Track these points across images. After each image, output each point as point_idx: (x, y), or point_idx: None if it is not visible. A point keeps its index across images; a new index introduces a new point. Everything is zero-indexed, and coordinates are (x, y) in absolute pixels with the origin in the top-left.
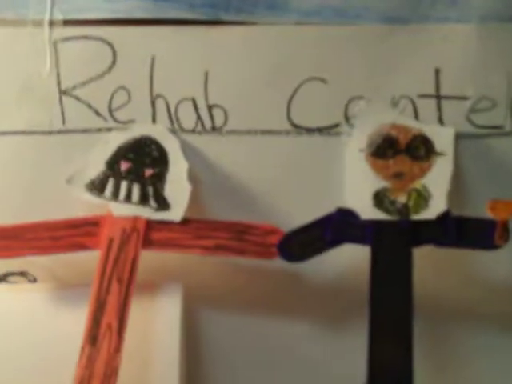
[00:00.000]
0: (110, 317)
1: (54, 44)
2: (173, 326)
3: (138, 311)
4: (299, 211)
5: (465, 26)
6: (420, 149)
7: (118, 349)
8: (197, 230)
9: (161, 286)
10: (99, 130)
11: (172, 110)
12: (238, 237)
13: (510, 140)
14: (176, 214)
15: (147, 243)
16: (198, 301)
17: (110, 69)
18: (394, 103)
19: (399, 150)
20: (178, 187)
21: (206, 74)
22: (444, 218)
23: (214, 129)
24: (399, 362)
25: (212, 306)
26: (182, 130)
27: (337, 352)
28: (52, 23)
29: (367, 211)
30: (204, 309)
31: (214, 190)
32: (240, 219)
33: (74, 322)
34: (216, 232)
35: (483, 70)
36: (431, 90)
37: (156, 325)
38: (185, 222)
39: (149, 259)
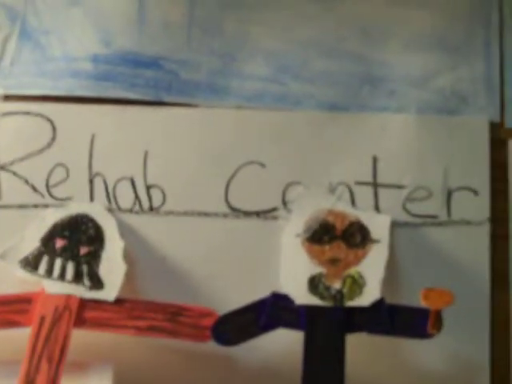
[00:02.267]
0: None
1: None
2: None
3: None
4: (235, 294)
5: (403, 117)
6: (356, 236)
7: None
8: (130, 310)
9: (91, 366)
10: (36, 206)
11: (110, 188)
12: (172, 318)
13: (444, 230)
14: (110, 293)
15: (80, 322)
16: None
17: (49, 145)
18: (332, 189)
19: (335, 237)
20: (112, 266)
21: (146, 154)
22: (378, 305)
23: (151, 209)
24: None
25: None
26: (120, 209)
27: None
28: None
29: (302, 296)
30: None
31: (149, 270)
32: (175, 301)
33: None
34: (150, 313)
35: (420, 159)
36: (368, 178)
37: None
38: (118, 301)
39: (81, 338)
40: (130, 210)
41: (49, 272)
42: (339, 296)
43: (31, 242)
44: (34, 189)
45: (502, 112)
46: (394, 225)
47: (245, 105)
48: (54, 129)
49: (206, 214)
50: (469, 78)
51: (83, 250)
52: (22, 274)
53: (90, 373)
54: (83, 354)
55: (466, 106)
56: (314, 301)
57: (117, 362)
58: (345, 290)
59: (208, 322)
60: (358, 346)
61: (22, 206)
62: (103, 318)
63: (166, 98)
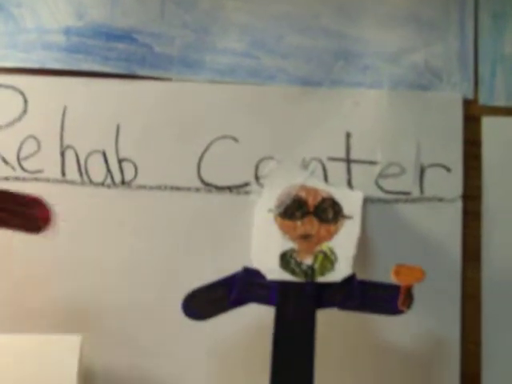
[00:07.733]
0: None
1: None
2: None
3: (36, 363)
4: (207, 269)
5: (376, 92)
6: (328, 211)
7: None
8: None
9: (59, 337)
10: (7, 178)
11: (82, 161)
12: (4, 207)
13: (417, 206)
14: None
15: None
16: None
17: (20, 117)
18: (304, 165)
19: (308, 212)
20: None
21: (118, 127)
22: (349, 281)
23: (123, 182)
24: None
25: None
26: (92, 182)
27: None
28: None
29: (273, 272)
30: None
31: (121, 245)
32: (146, 274)
33: None
34: None
35: (393, 135)
36: (341, 154)
37: (53, 378)
38: None
39: (49, 310)
40: (102, 184)
41: None
42: (310, 271)
43: None
44: (5, 161)
45: (476, 89)
46: (367, 201)
47: (218, 79)
48: (25, 101)
49: (178, 189)
50: (443, 54)
51: None
52: None
53: (57, 344)
54: (51, 325)
55: (439, 83)
56: (286, 276)
57: (86, 333)
58: (316, 266)
59: (37, 212)
60: (329, 323)
61: None
62: None
63: (139, 72)
